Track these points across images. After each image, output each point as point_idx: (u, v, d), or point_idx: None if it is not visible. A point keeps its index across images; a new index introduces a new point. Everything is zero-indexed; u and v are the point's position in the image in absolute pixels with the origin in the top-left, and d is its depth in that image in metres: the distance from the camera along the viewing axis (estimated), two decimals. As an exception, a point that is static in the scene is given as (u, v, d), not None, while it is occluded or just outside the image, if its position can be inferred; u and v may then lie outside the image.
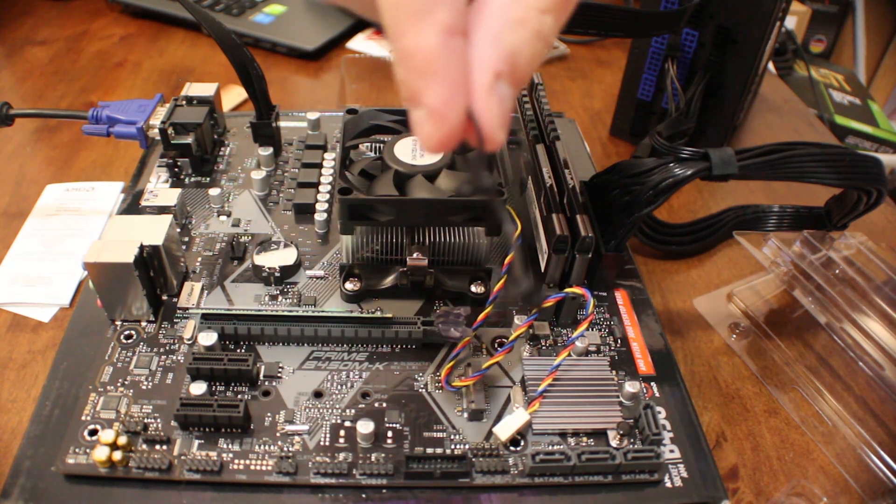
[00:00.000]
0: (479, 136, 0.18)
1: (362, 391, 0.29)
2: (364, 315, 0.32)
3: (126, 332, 0.31)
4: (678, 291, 0.39)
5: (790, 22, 0.92)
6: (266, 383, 0.29)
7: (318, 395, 0.29)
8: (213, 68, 0.59)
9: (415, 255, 0.31)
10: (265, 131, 0.41)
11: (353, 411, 0.29)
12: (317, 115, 0.44)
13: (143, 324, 0.32)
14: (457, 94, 0.16)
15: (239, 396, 0.29)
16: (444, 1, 0.16)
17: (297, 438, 0.27)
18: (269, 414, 0.28)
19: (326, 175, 0.39)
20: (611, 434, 0.28)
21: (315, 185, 0.39)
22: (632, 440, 0.28)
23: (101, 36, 0.63)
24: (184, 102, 0.41)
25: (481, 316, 0.30)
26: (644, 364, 0.32)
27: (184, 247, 0.35)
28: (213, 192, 0.38)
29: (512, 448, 0.28)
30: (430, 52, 0.16)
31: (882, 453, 0.31)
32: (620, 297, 0.35)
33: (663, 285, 0.40)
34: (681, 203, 0.45)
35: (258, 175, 0.39)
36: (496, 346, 0.32)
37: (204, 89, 0.41)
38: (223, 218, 0.37)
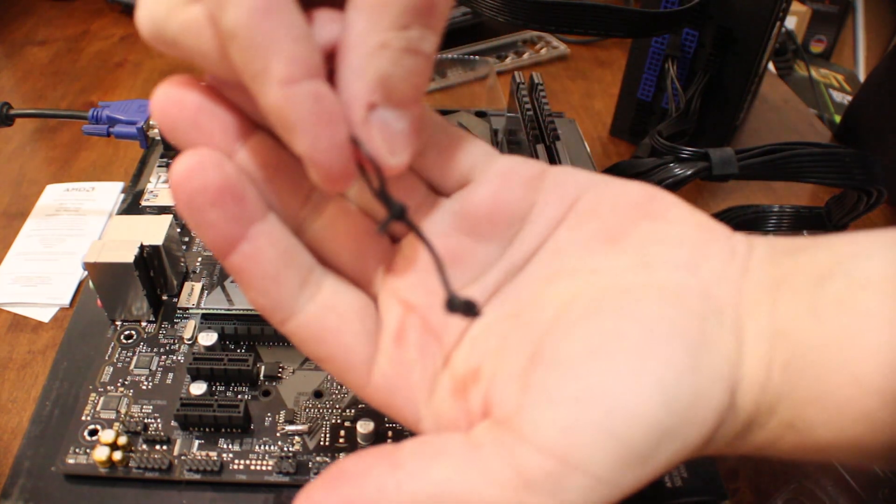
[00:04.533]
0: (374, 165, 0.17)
1: (362, 391, 0.29)
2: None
3: (126, 332, 0.31)
4: (678, 291, 0.39)
5: (790, 22, 0.92)
6: (266, 383, 0.29)
7: (318, 395, 0.29)
8: (213, 68, 0.59)
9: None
10: (265, 131, 0.41)
11: (353, 411, 0.29)
12: (317, 115, 0.44)
13: (143, 324, 0.32)
14: (321, 138, 0.16)
15: (239, 396, 0.29)
16: (279, 54, 0.15)
17: (297, 438, 0.27)
18: (269, 414, 0.28)
19: (326, 175, 0.39)
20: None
21: (315, 185, 0.39)
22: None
23: (101, 36, 0.63)
24: (184, 102, 0.40)
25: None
26: (644, 364, 0.32)
27: (184, 247, 0.35)
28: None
29: (512, 448, 0.28)
30: (277, 107, 0.16)
31: (882, 453, 0.31)
32: (620, 297, 0.35)
33: (663, 285, 0.40)
34: (681, 203, 0.45)
35: (258, 175, 0.39)
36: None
37: (204, 89, 0.41)
38: (223, 218, 0.37)
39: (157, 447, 0.27)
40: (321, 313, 0.19)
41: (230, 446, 0.27)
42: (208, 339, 0.30)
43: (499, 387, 0.18)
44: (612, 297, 0.18)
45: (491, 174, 0.20)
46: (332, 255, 0.20)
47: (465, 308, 0.17)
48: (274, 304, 0.19)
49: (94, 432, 0.27)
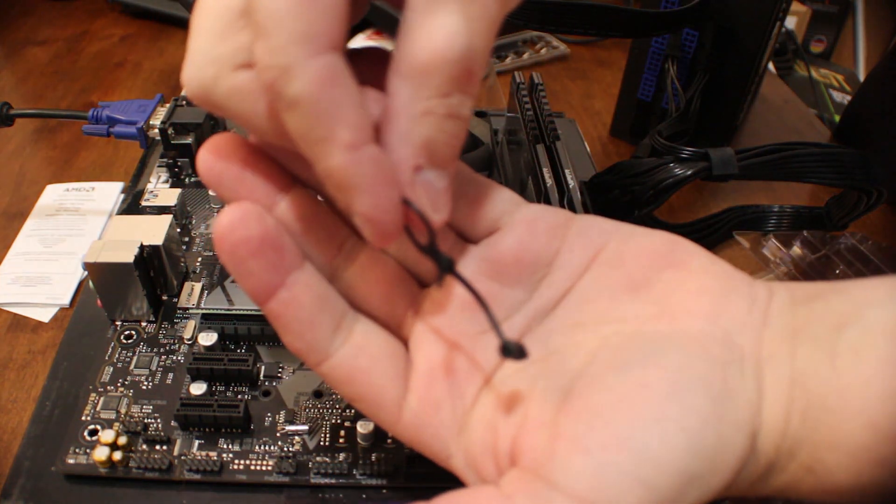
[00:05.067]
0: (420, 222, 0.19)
1: (362, 391, 0.29)
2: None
3: (126, 332, 0.31)
4: (678, 291, 0.39)
5: (790, 22, 0.92)
6: (266, 383, 0.29)
7: (318, 395, 0.29)
8: (213, 68, 0.59)
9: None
10: (265, 131, 0.41)
11: (353, 411, 0.29)
12: (317, 115, 0.44)
13: (143, 324, 0.32)
14: (380, 198, 0.17)
15: (239, 396, 0.29)
16: (344, 121, 0.16)
17: (297, 438, 0.27)
18: (269, 414, 0.28)
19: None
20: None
21: (315, 185, 0.39)
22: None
23: (101, 36, 0.63)
24: (184, 102, 0.41)
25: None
26: (644, 364, 0.32)
27: (184, 247, 0.35)
28: (214, 192, 0.38)
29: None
30: (342, 171, 0.17)
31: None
32: (620, 297, 0.35)
33: (663, 285, 0.40)
34: (681, 203, 0.45)
35: (258, 175, 0.39)
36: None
37: (204, 89, 0.41)
38: (223, 218, 0.37)
39: (157, 447, 0.27)
40: (353, 355, 0.20)
41: (230, 446, 0.27)
42: (208, 339, 0.30)
43: (528, 434, 0.18)
44: (637, 346, 0.19)
45: (517, 222, 0.21)
46: (363, 300, 0.21)
47: (518, 352, 0.18)
48: (309, 347, 0.20)
49: (94, 432, 0.27)
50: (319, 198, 0.21)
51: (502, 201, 0.22)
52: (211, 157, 0.19)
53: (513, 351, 0.18)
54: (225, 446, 0.27)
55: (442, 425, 0.20)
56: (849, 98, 0.82)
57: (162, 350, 0.31)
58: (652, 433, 0.16)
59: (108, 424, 0.27)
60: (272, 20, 0.15)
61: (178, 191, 0.37)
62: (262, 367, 0.30)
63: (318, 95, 0.16)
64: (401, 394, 0.20)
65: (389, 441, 0.27)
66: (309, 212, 0.20)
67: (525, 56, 0.61)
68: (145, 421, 0.28)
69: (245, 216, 0.18)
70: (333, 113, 0.16)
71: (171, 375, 0.30)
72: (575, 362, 0.19)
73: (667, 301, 0.19)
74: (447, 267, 0.19)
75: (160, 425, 0.28)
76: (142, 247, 0.30)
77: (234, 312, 0.31)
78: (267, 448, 0.27)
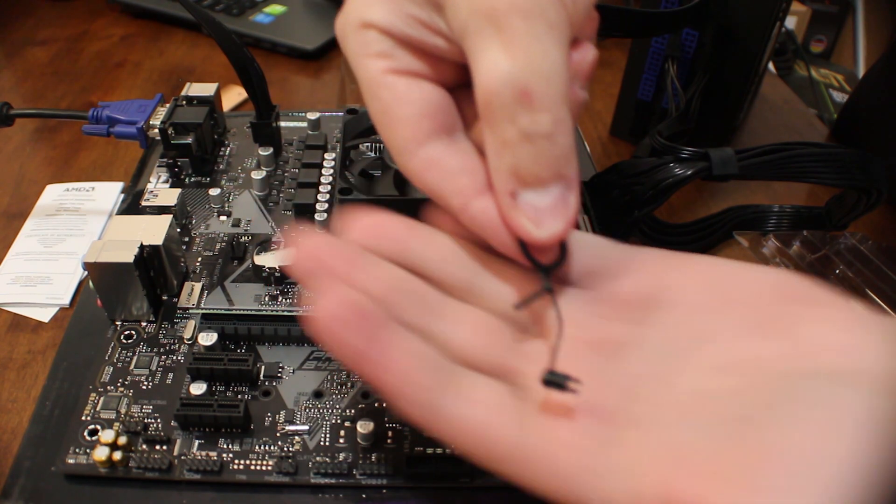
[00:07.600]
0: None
1: (362, 391, 0.29)
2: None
3: (126, 332, 0.31)
4: (678, 291, 0.39)
5: (790, 22, 0.92)
6: (266, 383, 0.29)
7: (318, 395, 0.29)
8: (213, 68, 0.59)
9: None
10: (265, 131, 0.41)
11: (353, 411, 0.29)
12: (317, 115, 0.44)
13: (143, 324, 0.32)
14: (502, 235, 0.21)
15: (239, 396, 0.29)
16: (452, 188, 0.21)
17: (297, 438, 0.28)
18: (269, 414, 0.28)
19: (326, 175, 0.39)
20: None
21: (315, 185, 0.39)
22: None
23: (101, 36, 0.63)
24: (184, 102, 0.41)
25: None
26: (644, 364, 0.32)
27: (184, 247, 0.35)
28: (213, 192, 0.38)
29: (512, 448, 0.28)
30: (467, 224, 0.21)
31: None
32: (620, 297, 0.35)
33: (663, 285, 0.40)
34: (681, 203, 0.45)
35: (258, 175, 0.39)
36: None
37: (204, 89, 0.41)
38: (223, 218, 0.37)
39: (157, 447, 0.27)
40: (466, 408, 0.20)
41: (230, 446, 0.27)
42: (208, 339, 0.30)
43: (692, 483, 0.18)
44: (788, 385, 0.18)
45: (613, 263, 0.22)
46: (461, 352, 0.22)
47: (560, 385, 0.19)
48: (421, 407, 0.20)
49: (94, 432, 0.27)
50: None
51: (589, 248, 0.23)
52: (304, 259, 0.22)
53: (554, 382, 0.19)
54: (225, 446, 0.27)
55: (569, 468, 0.19)
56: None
57: (162, 350, 0.31)
58: (829, 471, 0.16)
59: (108, 424, 0.27)
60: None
61: (178, 191, 0.37)
62: (262, 367, 0.30)
63: (423, 180, 0.21)
64: (520, 436, 0.20)
65: (389, 441, 0.27)
66: (396, 284, 0.22)
67: (525, 56, 0.61)
68: (145, 421, 0.28)
69: (339, 300, 0.20)
70: (443, 183, 0.21)
71: (171, 375, 0.30)
72: (727, 409, 0.19)
73: (799, 336, 0.19)
74: (543, 270, 0.21)
75: (160, 425, 0.28)
76: (142, 247, 0.30)
77: (234, 312, 0.31)
78: (267, 448, 0.27)
